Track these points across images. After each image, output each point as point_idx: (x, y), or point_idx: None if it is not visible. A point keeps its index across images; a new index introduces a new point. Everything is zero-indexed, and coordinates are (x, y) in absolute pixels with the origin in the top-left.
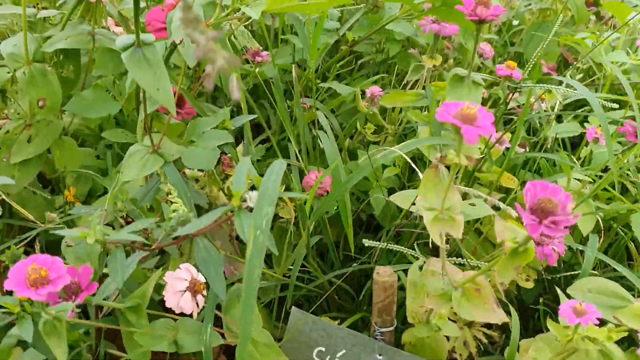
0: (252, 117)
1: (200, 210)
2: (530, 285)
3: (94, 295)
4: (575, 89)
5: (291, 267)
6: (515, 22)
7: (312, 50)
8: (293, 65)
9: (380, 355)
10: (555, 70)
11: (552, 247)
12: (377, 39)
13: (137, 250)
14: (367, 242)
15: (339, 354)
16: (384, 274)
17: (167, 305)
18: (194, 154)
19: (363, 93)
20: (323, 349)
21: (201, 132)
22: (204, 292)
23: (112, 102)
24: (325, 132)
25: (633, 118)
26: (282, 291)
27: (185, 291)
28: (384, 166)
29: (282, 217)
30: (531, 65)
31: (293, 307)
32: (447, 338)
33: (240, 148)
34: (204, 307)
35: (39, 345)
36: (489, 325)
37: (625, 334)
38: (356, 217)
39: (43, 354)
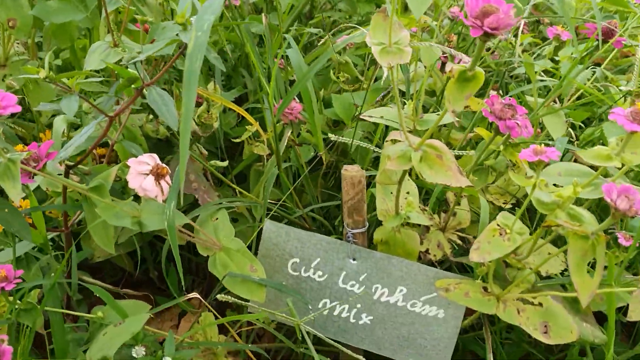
0: None
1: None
2: (506, 207)
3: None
4: None
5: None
6: None
7: None
8: (264, 15)
9: (354, 259)
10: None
11: (516, 121)
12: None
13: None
14: (332, 137)
15: (313, 263)
16: (351, 169)
17: (130, 186)
18: (154, 47)
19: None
20: (298, 260)
21: (161, 29)
22: (169, 180)
23: (77, 10)
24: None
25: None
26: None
27: (148, 174)
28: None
29: (260, 162)
30: None
31: (266, 220)
32: (421, 241)
33: (210, 85)
34: None
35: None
36: (462, 229)
37: (591, 188)
38: (333, 179)
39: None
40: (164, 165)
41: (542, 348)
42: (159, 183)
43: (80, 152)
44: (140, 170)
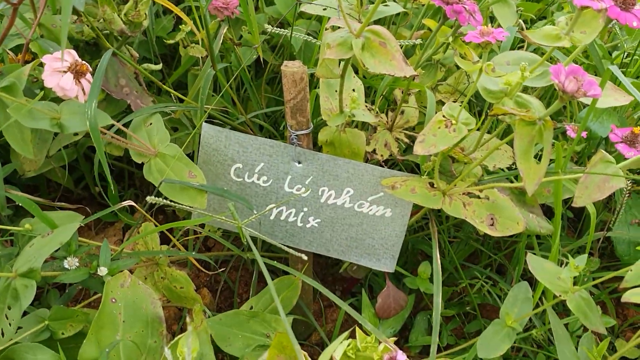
0: None
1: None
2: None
3: None
4: None
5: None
6: None
7: None
8: None
9: (299, 162)
10: None
11: (464, 5)
12: None
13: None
14: (269, 27)
15: (257, 168)
16: (292, 65)
17: (46, 85)
18: None
19: None
20: (240, 166)
21: None
22: (90, 78)
23: None
24: None
25: None
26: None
27: (66, 72)
28: None
29: (198, 67)
30: None
31: (204, 123)
32: (368, 141)
33: None
34: None
35: None
36: (411, 128)
37: (539, 73)
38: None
39: None
40: (84, 62)
41: (490, 245)
42: (79, 81)
43: None
44: (57, 67)
